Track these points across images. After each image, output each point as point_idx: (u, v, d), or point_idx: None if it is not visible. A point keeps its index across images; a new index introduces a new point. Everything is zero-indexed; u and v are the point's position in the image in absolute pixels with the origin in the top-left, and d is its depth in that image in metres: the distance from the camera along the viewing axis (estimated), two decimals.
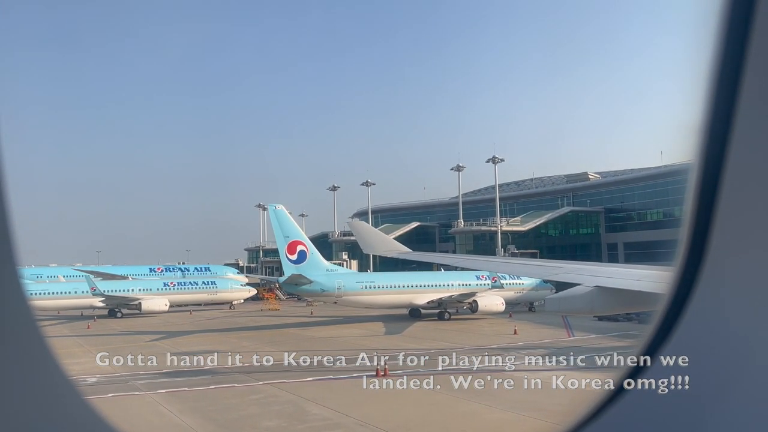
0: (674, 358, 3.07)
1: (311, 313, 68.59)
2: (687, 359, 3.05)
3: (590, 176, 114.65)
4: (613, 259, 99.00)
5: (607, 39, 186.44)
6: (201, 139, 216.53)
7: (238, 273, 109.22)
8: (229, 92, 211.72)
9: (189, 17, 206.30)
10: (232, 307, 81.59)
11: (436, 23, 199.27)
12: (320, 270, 55.90)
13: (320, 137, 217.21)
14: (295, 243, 54.68)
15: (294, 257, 54.24)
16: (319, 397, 25.79)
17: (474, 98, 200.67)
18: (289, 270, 54.17)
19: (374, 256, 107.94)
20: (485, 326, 53.18)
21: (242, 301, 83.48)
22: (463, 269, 63.37)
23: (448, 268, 79.10)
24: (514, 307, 66.59)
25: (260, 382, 29.58)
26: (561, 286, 73.26)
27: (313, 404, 24.64)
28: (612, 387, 3.31)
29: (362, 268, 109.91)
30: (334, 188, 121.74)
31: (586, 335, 45.38)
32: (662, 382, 3.09)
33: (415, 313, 60.84)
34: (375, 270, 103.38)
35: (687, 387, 3.00)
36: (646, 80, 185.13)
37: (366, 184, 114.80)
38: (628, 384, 3.21)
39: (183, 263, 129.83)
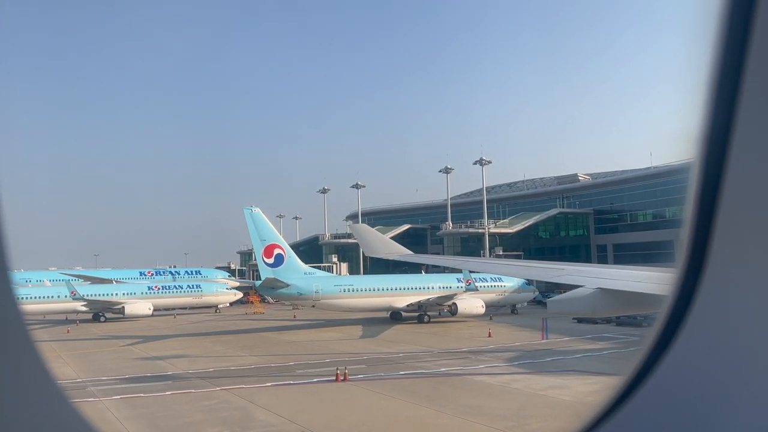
0: (679, 360, 3.05)
1: (294, 317, 68.36)
2: (692, 361, 3.05)
3: (580, 177, 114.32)
4: (602, 260, 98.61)
5: (603, 44, 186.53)
6: (199, 142, 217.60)
7: (229, 276, 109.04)
8: (227, 96, 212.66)
9: (186, 23, 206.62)
10: (217, 311, 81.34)
11: (433, 28, 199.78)
12: (298, 273, 55.62)
13: (316, 140, 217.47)
14: (272, 246, 54.44)
15: (271, 261, 53.98)
16: (271, 404, 25.57)
17: (469, 101, 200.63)
18: (265, 273, 53.90)
19: (364, 259, 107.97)
20: (462, 329, 52.94)
21: (228, 304, 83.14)
22: (453, 271, 63.07)
23: (435, 269, 79.01)
24: (499, 309, 66.28)
25: (218, 388, 29.37)
26: (546, 287, 73.11)
27: (263, 410, 24.41)
28: (616, 391, 3.26)
29: (352, 270, 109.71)
30: (324, 191, 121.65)
31: (560, 338, 45.09)
32: (667, 385, 3.08)
33: (396, 316, 60.58)
34: (366, 273, 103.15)
35: (692, 389, 2.99)
36: (641, 83, 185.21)
37: (356, 186, 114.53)
38: (633, 387, 3.17)
39: (174, 266, 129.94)
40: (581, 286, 15.98)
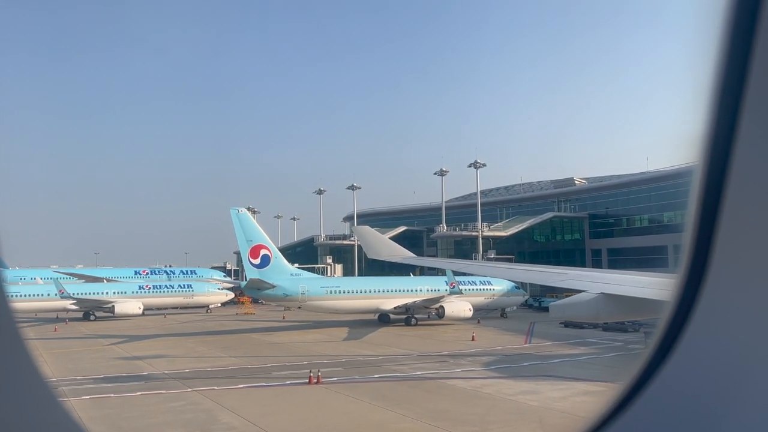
0: (681, 365, 3.05)
1: (283, 318, 68.31)
2: (694, 366, 3.04)
3: (576, 181, 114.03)
4: (597, 264, 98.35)
5: (601, 49, 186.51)
6: (200, 143, 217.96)
7: (224, 276, 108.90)
8: (226, 97, 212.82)
9: (182, 24, 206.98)
10: (209, 311, 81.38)
11: (433, 31, 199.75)
12: (284, 274, 55.46)
13: (315, 141, 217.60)
14: (259, 247, 54.30)
15: (257, 261, 53.85)
16: (239, 406, 25.45)
17: (468, 105, 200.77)
18: (251, 274, 53.76)
19: (359, 260, 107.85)
20: (447, 332, 52.74)
21: (219, 304, 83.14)
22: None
23: (432, 272, 78.83)
24: (489, 312, 66.04)
25: (189, 389, 29.25)
26: (540, 291, 72.34)
27: (228, 413, 24.29)
28: (617, 396, 3.24)
29: (347, 271, 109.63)
30: (320, 192, 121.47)
31: (543, 342, 44.96)
32: (669, 391, 3.07)
33: (384, 319, 60.36)
34: (361, 274, 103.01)
35: (695, 395, 2.99)
36: (639, 88, 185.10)
37: (352, 188, 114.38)
38: (634, 393, 3.16)
39: (170, 266, 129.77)
40: (584, 291, 15.88)
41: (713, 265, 2.90)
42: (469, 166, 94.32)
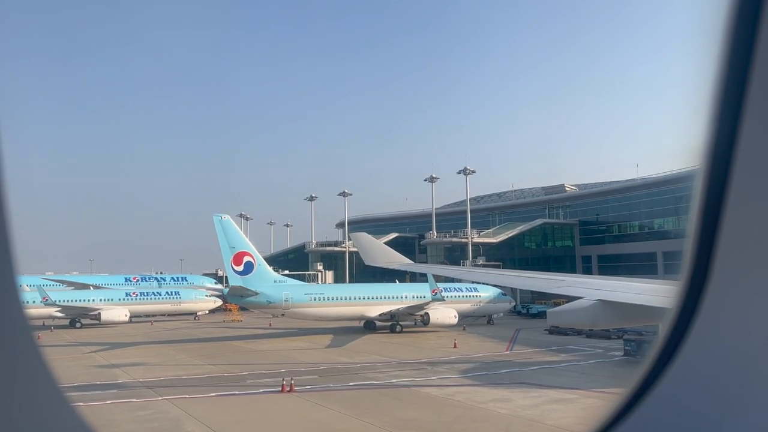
0: (682, 374, 3.03)
1: (270, 325, 68.00)
2: (696, 375, 3.02)
3: (567, 188, 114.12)
4: (587, 271, 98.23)
5: (596, 56, 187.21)
6: (194, 148, 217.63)
7: (215, 283, 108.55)
8: (222, 103, 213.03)
9: (177, 28, 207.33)
10: (196, 318, 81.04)
11: (427, 39, 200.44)
12: (267, 281, 55.17)
13: (310, 148, 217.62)
14: (242, 254, 54.02)
15: (240, 268, 53.58)
16: (206, 414, 25.23)
17: (464, 111, 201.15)
18: (234, 281, 53.51)
19: (350, 267, 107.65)
20: (430, 339, 52.56)
21: (207, 311, 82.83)
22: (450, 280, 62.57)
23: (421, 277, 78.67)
24: (477, 319, 65.85)
25: (160, 398, 29.00)
26: (531, 297, 72.01)
27: (195, 422, 24.07)
28: (617, 405, 3.22)
29: (338, 279, 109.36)
30: (311, 198, 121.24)
31: (524, 349, 44.81)
32: (670, 399, 3.06)
33: (369, 326, 60.12)
34: (352, 281, 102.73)
35: (696, 404, 2.98)
36: (632, 96, 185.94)
37: (343, 194, 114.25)
38: (635, 401, 3.13)
39: (161, 272, 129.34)
40: (579, 298, 15.80)
41: (715, 272, 2.87)
42: (459, 172, 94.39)
